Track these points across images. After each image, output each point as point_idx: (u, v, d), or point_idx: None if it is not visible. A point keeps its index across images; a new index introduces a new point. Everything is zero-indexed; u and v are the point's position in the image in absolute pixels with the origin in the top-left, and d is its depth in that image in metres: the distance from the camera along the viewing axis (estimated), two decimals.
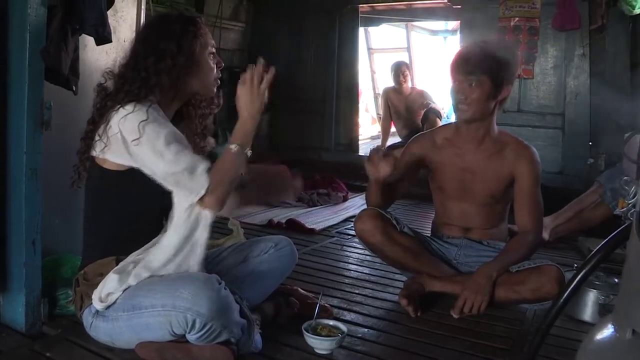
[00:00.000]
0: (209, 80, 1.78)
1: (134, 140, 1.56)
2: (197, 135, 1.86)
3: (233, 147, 1.64)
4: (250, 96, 1.64)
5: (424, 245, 2.39)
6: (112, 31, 2.09)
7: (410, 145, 2.48)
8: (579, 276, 0.90)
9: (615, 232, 0.87)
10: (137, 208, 1.67)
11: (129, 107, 1.59)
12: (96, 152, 1.63)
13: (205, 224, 1.64)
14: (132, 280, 1.60)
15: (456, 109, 2.25)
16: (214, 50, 1.78)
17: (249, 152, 1.67)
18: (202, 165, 1.59)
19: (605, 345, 0.70)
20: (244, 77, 1.65)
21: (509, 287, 2.14)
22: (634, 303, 0.70)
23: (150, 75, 1.64)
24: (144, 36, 1.74)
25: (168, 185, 1.61)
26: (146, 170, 1.60)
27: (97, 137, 1.62)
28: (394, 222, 2.28)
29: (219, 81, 1.80)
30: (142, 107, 1.59)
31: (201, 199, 1.60)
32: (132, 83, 1.63)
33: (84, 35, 2.02)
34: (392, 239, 2.26)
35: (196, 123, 1.86)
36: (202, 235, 1.64)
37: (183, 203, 1.61)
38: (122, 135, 1.58)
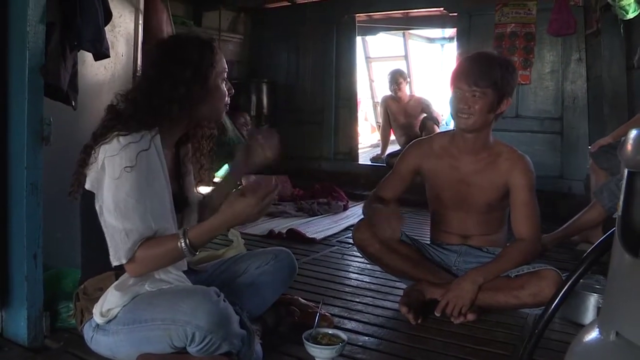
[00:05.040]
0: (219, 107, 1.75)
1: (109, 179, 1.53)
2: (203, 155, 1.84)
3: (183, 244, 1.56)
4: (250, 210, 1.57)
5: (423, 252, 2.40)
6: (110, 46, 2.12)
7: (407, 152, 2.47)
8: (570, 280, 0.91)
9: (604, 236, 0.88)
10: None
11: (123, 141, 1.53)
12: (85, 170, 1.60)
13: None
14: (132, 295, 1.60)
15: (456, 117, 2.23)
16: (226, 75, 1.75)
17: (196, 256, 1.60)
18: (139, 236, 1.53)
19: (591, 347, 0.72)
20: (259, 191, 1.58)
21: (509, 292, 2.14)
22: (617, 306, 0.71)
23: (163, 104, 1.60)
24: (158, 60, 1.67)
25: (104, 229, 1.56)
26: (96, 203, 1.56)
27: (92, 154, 1.59)
28: None
29: (227, 107, 1.77)
30: (134, 148, 1.53)
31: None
32: (144, 111, 1.59)
33: (82, 50, 2.04)
34: (390, 247, 2.26)
35: (202, 143, 1.84)
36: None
37: None
38: (102, 165, 1.54)
